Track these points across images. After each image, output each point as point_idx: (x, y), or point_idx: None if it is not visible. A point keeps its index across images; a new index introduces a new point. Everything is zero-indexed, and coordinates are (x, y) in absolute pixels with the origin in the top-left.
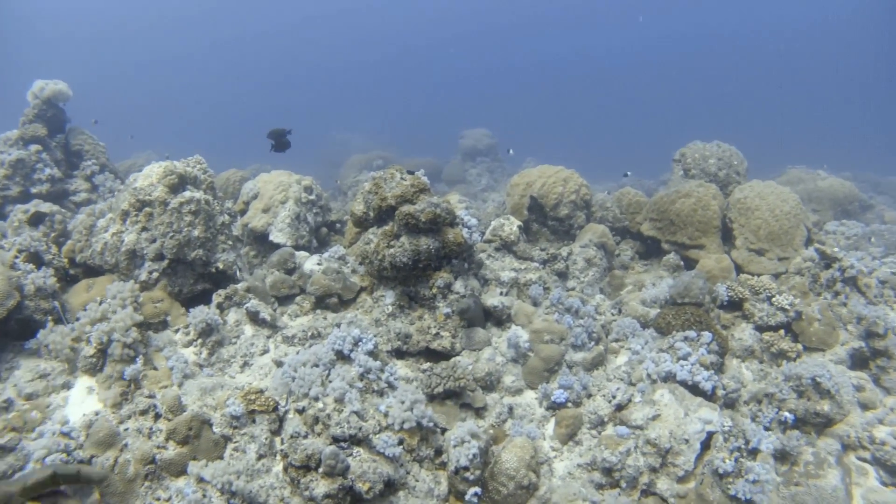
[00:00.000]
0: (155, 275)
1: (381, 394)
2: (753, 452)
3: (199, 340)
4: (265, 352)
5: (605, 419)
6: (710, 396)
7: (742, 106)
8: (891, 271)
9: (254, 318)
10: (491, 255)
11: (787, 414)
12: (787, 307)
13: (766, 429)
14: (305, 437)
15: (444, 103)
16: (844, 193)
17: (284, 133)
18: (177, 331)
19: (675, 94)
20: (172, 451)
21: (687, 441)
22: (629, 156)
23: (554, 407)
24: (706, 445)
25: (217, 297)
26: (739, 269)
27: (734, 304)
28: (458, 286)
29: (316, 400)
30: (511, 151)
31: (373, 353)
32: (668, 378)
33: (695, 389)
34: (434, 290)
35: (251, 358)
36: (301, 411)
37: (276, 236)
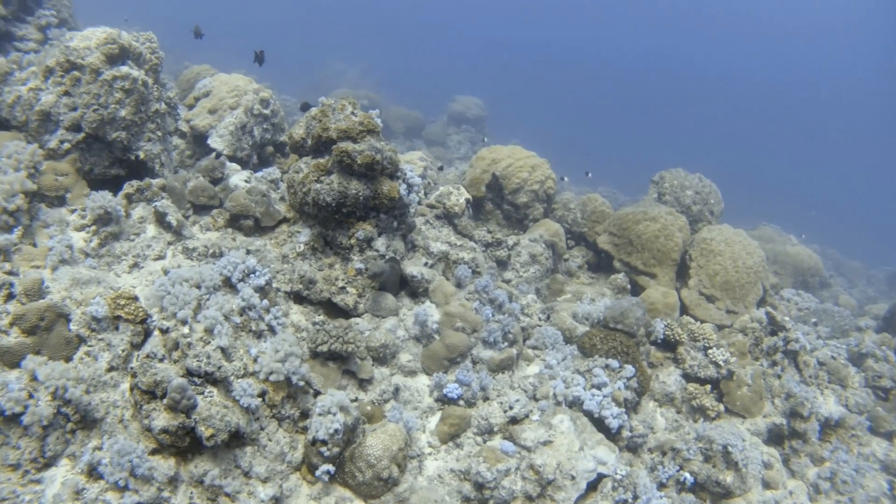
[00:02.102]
0: (66, 146)
1: (259, 335)
2: None
3: (94, 227)
4: (161, 258)
5: (495, 429)
6: (613, 435)
7: (743, 149)
8: (831, 354)
9: (160, 219)
10: (429, 221)
11: (687, 475)
12: (721, 363)
13: (662, 485)
14: (161, 360)
15: (447, 64)
16: (809, 266)
17: (199, 33)
18: (73, 211)
19: (682, 118)
20: (14, 338)
21: (573, 478)
22: (615, 167)
23: (444, 400)
24: (593, 486)
25: (129, 187)
26: (685, 310)
27: (668, 345)
28: (380, 244)
29: (184, 324)
30: (486, 139)
31: (263, 290)
32: (575, 404)
33: (599, 423)
34: (353, 241)
35: (144, 261)
36: (165, 331)
37: (214, 141)
